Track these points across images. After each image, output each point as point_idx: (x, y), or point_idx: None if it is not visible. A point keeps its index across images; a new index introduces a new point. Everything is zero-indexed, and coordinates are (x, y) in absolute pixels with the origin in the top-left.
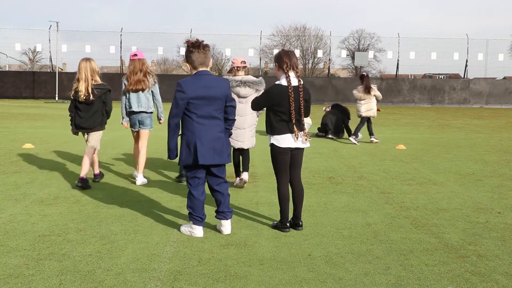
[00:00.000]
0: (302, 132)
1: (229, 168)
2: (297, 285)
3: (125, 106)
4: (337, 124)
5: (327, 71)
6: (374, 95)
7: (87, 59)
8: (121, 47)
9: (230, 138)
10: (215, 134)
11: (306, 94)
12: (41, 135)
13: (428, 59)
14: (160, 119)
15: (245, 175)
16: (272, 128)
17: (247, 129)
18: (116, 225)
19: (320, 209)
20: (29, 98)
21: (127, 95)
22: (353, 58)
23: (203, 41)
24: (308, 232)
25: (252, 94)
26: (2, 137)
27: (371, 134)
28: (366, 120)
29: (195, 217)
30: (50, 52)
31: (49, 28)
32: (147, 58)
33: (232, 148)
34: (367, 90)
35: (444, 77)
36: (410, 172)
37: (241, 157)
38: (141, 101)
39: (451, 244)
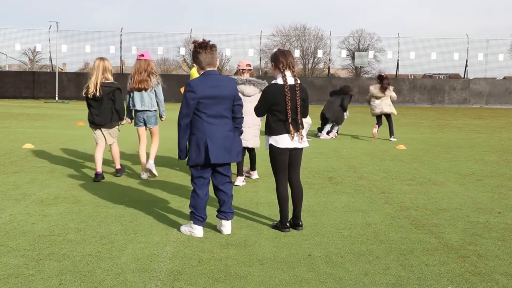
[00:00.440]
0: (298, 132)
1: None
2: (297, 285)
3: (129, 105)
4: (335, 109)
5: (327, 71)
6: (390, 96)
7: (102, 58)
8: (121, 47)
9: None
10: (224, 133)
11: (303, 93)
12: (41, 135)
13: (428, 59)
14: (162, 117)
15: (254, 174)
16: (270, 129)
17: (251, 128)
18: (116, 225)
19: (320, 209)
20: (29, 98)
21: (131, 94)
22: (353, 58)
23: (209, 41)
24: (308, 232)
25: (256, 93)
26: (2, 137)
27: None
28: (385, 117)
29: (197, 216)
30: (50, 52)
31: (49, 28)
32: None
33: None
34: (383, 89)
35: (444, 77)
36: (410, 172)
37: (249, 156)
38: (144, 100)
39: (451, 244)
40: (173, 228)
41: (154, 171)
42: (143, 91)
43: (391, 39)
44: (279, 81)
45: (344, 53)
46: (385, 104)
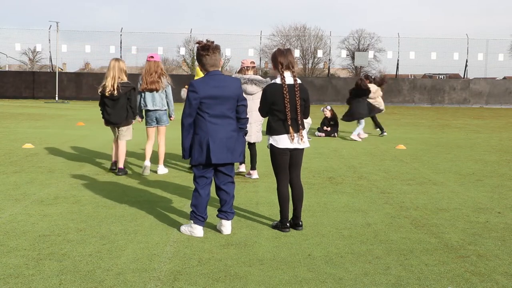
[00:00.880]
0: (298, 133)
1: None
2: (297, 285)
3: (141, 105)
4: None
5: (327, 71)
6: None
7: (117, 59)
8: (121, 47)
9: None
10: (227, 133)
11: (303, 93)
12: (41, 135)
13: (428, 59)
14: (171, 116)
15: (254, 173)
16: (270, 129)
17: (253, 124)
18: (116, 225)
19: (320, 209)
20: (29, 98)
21: (143, 94)
22: (353, 58)
23: (213, 42)
24: (308, 232)
25: (258, 92)
26: (2, 137)
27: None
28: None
29: (198, 216)
30: (50, 52)
31: (49, 28)
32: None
33: None
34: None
35: (444, 77)
36: (410, 172)
37: (250, 152)
38: (156, 100)
39: (451, 244)
40: (173, 228)
41: (163, 172)
42: (154, 91)
43: (391, 39)
44: (278, 80)
45: (344, 53)
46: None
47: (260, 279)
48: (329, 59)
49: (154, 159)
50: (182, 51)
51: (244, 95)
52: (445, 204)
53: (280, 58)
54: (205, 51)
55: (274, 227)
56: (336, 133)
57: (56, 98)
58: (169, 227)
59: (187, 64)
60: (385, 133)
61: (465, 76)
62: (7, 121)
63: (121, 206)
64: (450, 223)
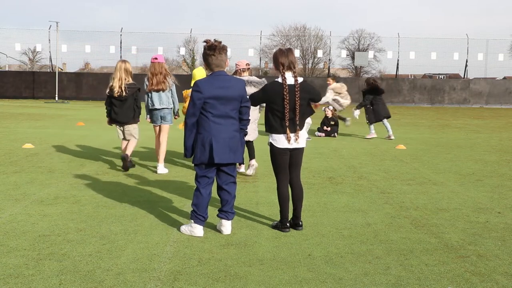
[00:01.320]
0: (294, 133)
1: None
2: (297, 285)
3: (148, 104)
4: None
5: (327, 71)
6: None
7: (124, 61)
8: (121, 47)
9: None
10: (230, 133)
11: (305, 92)
12: (41, 135)
13: (428, 59)
14: (176, 114)
15: (253, 162)
16: (270, 127)
17: (252, 123)
18: (116, 225)
19: (320, 209)
20: (29, 98)
21: (150, 94)
22: (353, 58)
23: (220, 42)
24: (308, 232)
25: None
26: (2, 137)
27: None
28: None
29: (198, 215)
30: (50, 52)
31: (49, 28)
32: (147, 58)
33: None
34: None
35: (444, 77)
36: (410, 172)
37: (247, 148)
38: (162, 99)
39: (451, 244)
40: (173, 228)
41: (163, 172)
42: (161, 91)
43: (391, 39)
44: (279, 80)
45: (344, 53)
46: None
47: (260, 279)
48: (329, 59)
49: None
50: (182, 51)
51: None
52: (445, 204)
53: (281, 59)
54: (212, 51)
55: (274, 227)
56: (336, 133)
57: (56, 98)
58: (169, 227)
59: (187, 64)
60: (348, 123)
61: (465, 76)
62: (7, 121)
63: (121, 206)
64: (450, 223)
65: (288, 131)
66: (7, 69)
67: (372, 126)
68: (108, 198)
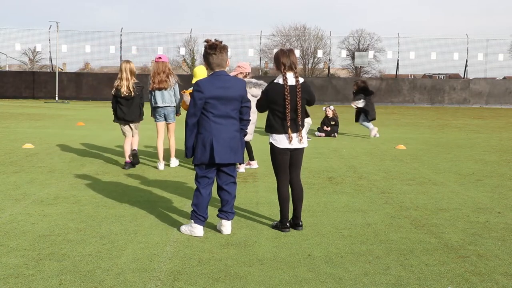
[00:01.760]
0: (297, 133)
1: None
2: (297, 285)
3: (151, 102)
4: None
5: (327, 71)
6: None
7: (128, 61)
8: (121, 47)
9: None
10: (231, 133)
11: (305, 93)
12: (41, 135)
13: (428, 59)
14: (178, 112)
15: (254, 163)
16: (270, 127)
17: (252, 125)
18: (116, 225)
19: (320, 209)
20: (29, 98)
21: (153, 92)
22: (353, 58)
23: (221, 42)
24: (308, 232)
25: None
26: (2, 137)
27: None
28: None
29: (198, 216)
30: (50, 52)
31: (49, 28)
32: (147, 58)
33: None
34: None
35: (444, 77)
36: (410, 172)
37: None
38: (165, 98)
39: (451, 244)
40: (173, 228)
41: (175, 164)
42: (164, 90)
43: (391, 39)
44: (280, 81)
45: (344, 53)
46: None
47: (260, 279)
48: (329, 59)
49: (159, 156)
50: (182, 51)
51: (250, 97)
52: (445, 204)
53: (283, 59)
54: (212, 50)
55: (274, 227)
56: (336, 133)
57: (56, 98)
58: (169, 227)
59: (187, 64)
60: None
61: (465, 76)
62: (7, 121)
63: (121, 206)
64: (450, 223)
65: (289, 131)
66: (7, 69)
67: (369, 124)
68: (108, 198)
